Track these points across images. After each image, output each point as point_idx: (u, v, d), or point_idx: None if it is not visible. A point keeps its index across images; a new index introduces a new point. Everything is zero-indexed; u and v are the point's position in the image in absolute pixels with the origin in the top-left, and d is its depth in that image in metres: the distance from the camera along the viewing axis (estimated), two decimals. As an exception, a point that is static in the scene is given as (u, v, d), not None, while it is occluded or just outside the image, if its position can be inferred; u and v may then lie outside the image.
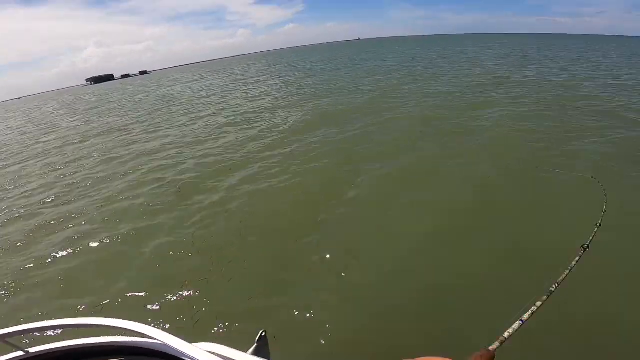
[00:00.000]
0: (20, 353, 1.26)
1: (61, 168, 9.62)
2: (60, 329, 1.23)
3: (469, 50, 38.36)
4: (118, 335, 1.32)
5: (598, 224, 1.75)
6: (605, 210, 1.92)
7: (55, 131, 17.27)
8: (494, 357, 0.75)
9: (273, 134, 9.88)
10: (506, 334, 0.90)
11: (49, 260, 4.75)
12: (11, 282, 4.32)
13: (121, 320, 1.21)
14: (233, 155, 8.47)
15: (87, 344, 1.32)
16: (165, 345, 1.14)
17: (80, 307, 3.67)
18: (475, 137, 7.73)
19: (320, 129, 9.73)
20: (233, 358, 1.04)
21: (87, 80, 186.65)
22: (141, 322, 1.20)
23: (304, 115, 11.83)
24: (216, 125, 12.29)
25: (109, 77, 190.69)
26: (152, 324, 1.34)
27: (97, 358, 1.31)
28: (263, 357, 1.12)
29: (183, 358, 1.16)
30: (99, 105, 28.48)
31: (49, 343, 1.30)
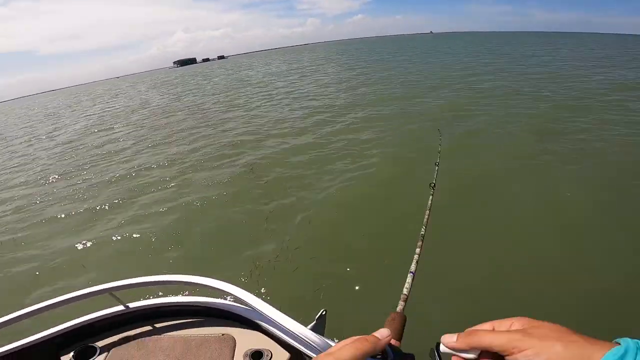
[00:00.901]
0: (121, 307, 1.36)
1: (149, 137, 10.81)
2: (158, 284, 1.32)
3: (562, 50, 33.32)
4: (205, 296, 1.41)
5: (437, 163, 1.98)
6: (440, 152, 2.29)
7: (146, 107, 19.49)
8: (405, 318, 0.74)
9: (330, 114, 10.70)
10: (405, 291, 0.90)
11: (123, 223, 5.26)
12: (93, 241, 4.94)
13: (216, 281, 1.26)
14: (301, 136, 8.62)
15: (179, 302, 1.40)
16: (254, 311, 1.20)
17: (161, 267, 4.00)
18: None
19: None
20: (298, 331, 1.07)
21: (174, 63, 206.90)
22: (236, 285, 1.24)
23: (361, 99, 12.42)
24: (284, 105, 12.93)
25: (192, 61, 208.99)
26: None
27: (186, 316, 1.39)
28: (320, 334, 1.10)
29: (264, 325, 1.22)
30: (182, 85, 31.46)
31: (144, 299, 1.41)
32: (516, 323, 0.44)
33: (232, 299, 1.31)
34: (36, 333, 1.26)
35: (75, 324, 1.31)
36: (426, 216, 1.35)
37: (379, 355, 0.51)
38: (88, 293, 1.28)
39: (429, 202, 1.49)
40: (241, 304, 1.28)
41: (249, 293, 1.22)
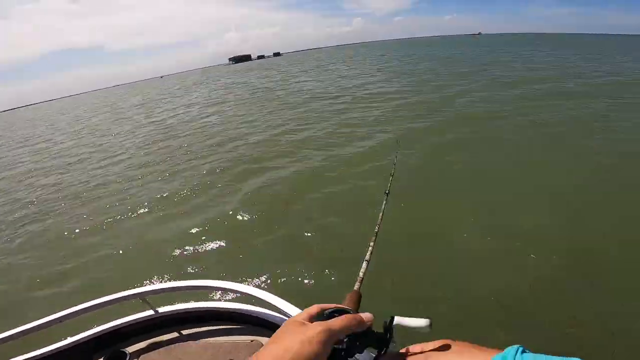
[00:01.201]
0: (151, 312, 1.38)
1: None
2: (186, 290, 1.36)
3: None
4: (233, 302, 1.43)
5: (392, 174, 2.11)
6: (395, 164, 2.35)
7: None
8: (361, 295, 0.84)
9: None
10: (361, 274, 0.98)
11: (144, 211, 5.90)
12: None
13: (248, 287, 1.28)
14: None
15: (208, 307, 1.40)
16: (284, 317, 1.17)
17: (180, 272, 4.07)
18: None
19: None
20: None
21: (230, 59, 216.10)
22: (265, 291, 1.25)
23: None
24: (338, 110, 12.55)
25: (247, 57, 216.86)
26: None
27: (214, 321, 1.39)
28: None
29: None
30: (232, 86, 30.63)
31: (173, 304, 1.43)
32: (430, 344, 0.51)
33: (261, 305, 1.29)
34: (70, 337, 1.31)
35: (106, 329, 1.34)
36: (380, 218, 1.52)
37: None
38: (120, 297, 1.32)
39: (383, 206, 1.65)
40: (272, 310, 1.26)
41: (280, 299, 1.20)
